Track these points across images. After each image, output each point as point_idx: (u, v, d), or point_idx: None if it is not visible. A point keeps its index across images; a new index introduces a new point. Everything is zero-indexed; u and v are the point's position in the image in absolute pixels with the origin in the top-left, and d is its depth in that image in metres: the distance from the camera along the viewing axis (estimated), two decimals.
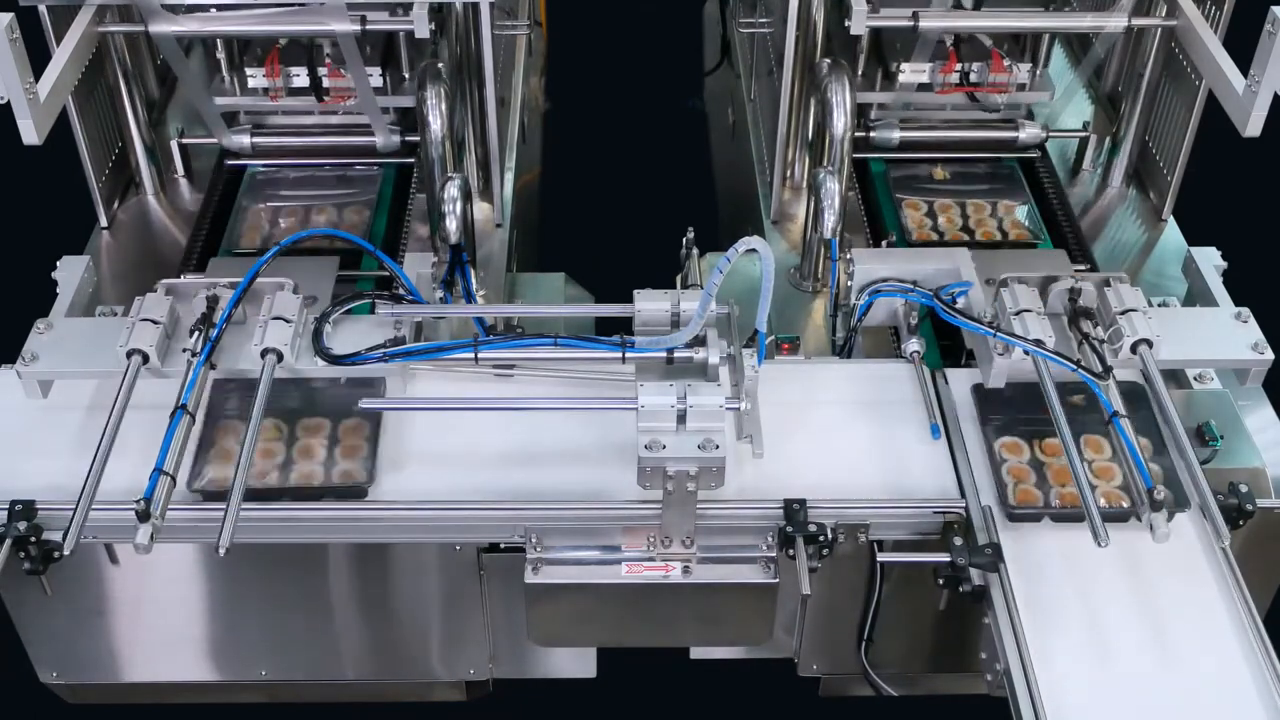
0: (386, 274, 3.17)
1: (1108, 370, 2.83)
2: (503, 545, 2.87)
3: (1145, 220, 4.03)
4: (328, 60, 3.82)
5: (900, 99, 3.97)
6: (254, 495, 2.73)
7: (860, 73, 3.99)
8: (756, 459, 2.81)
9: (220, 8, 3.56)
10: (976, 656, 2.74)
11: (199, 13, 3.57)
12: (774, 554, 2.78)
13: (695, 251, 3.49)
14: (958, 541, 2.70)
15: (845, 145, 3.59)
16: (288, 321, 2.87)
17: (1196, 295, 3.43)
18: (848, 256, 3.16)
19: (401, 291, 3.02)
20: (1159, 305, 3.23)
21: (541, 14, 5.56)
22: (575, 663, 3.21)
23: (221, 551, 2.45)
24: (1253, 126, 3.23)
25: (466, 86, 3.97)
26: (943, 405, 3.01)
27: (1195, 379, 3.19)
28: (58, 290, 3.37)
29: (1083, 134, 4.17)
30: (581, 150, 5.59)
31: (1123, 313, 2.90)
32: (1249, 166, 4.30)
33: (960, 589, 2.67)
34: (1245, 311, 3.07)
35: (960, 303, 3.04)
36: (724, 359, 2.74)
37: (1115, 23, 3.73)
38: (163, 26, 3.57)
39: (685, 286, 3.41)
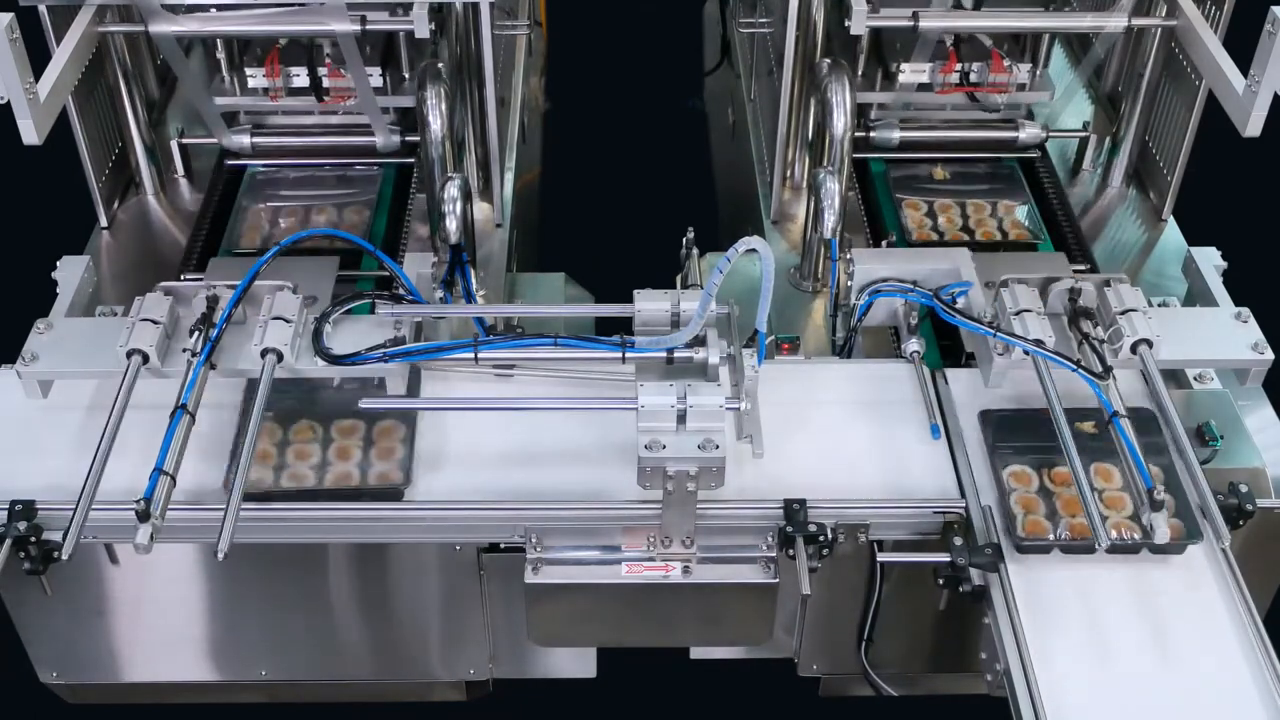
0: (386, 274, 3.16)
1: (1108, 370, 2.83)
2: (503, 545, 2.87)
3: (1145, 220, 4.03)
4: (328, 60, 3.81)
5: (900, 99, 3.97)
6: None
7: (860, 73, 3.99)
8: (756, 459, 2.81)
9: (220, 8, 3.56)
10: (976, 656, 2.74)
11: (199, 13, 3.57)
12: (774, 554, 2.78)
13: (695, 251, 3.49)
14: (958, 541, 2.70)
15: (845, 145, 3.59)
16: (288, 321, 2.87)
17: (1196, 295, 3.43)
18: (848, 256, 3.16)
19: (401, 291, 3.02)
20: (1159, 305, 3.23)
21: (541, 14, 5.56)
22: (575, 663, 3.21)
23: (220, 556, 2.45)
24: (1253, 126, 3.23)
25: (466, 86, 3.97)
26: (943, 405, 3.01)
27: (1195, 379, 3.19)
28: (58, 290, 3.37)
29: (1083, 134, 4.17)
30: (581, 150, 5.59)
31: (1123, 313, 2.90)
32: (1249, 166, 4.30)
33: (960, 589, 2.67)
34: (1245, 311, 3.07)
35: (960, 303, 3.05)
36: (724, 359, 2.74)
37: (1115, 23, 3.73)
38: (163, 26, 3.57)
39: (685, 286, 3.41)
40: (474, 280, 3.33)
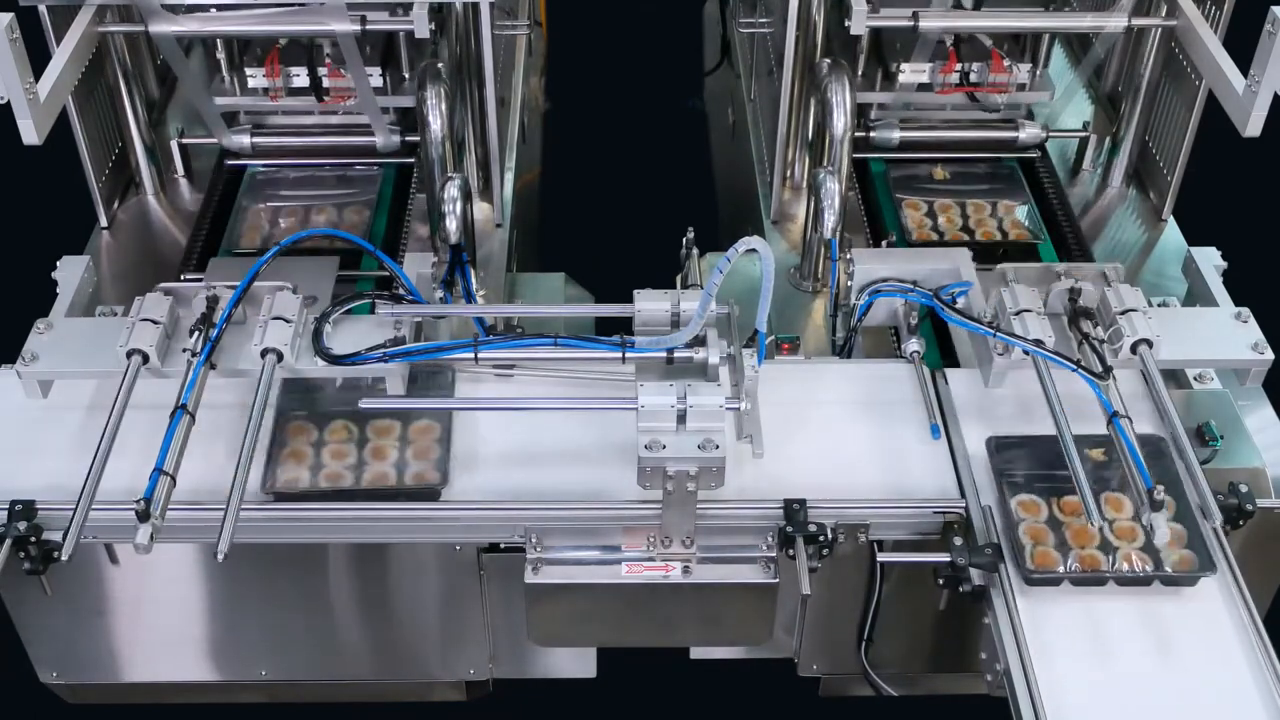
0: (386, 274, 3.16)
1: (1108, 370, 2.82)
2: (503, 545, 2.87)
3: (1145, 220, 4.03)
4: (328, 60, 3.82)
5: (900, 99, 3.97)
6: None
7: (860, 73, 3.99)
8: (756, 459, 2.81)
9: (220, 8, 3.56)
10: (976, 656, 2.74)
11: (199, 13, 3.57)
12: (774, 554, 2.78)
13: (695, 251, 3.49)
14: (958, 541, 2.69)
15: (845, 145, 3.59)
16: (288, 321, 2.87)
17: (1196, 295, 3.43)
18: (848, 256, 3.16)
19: (401, 291, 3.02)
20: (1159, 305, 3.23)
21: (541, 14, 5.56)
22: (575, 663, 3.21)
23: (220, 557, 2.45)
24: (1253, 126, 3.23)
25: (466, 86, 3.97)
26: (943, 405, 3.01)
27: (1195, 379, 3.19)
28: (58, 290, 3.37)
29: (1083, 134, 4.17)
30: (581, 150, 5.60)
31: (1123, 313, 2.90)
32: (1249, 166, 4.30)
33: (960, 589, 2.67)
34: (1245, 311, 3.07)
35: (960, 303, 3.04)
36: (724, 359, 2.74)
37: (1115, 23, 3.73)
38: (163, 26, 3.57)
39: (685, 286, 3.41)
40: (474, 280, 3.34)
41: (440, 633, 3.10)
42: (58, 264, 3.43)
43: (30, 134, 3.15)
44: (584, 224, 5.31)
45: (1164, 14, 3.73)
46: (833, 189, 3.48)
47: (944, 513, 2.80)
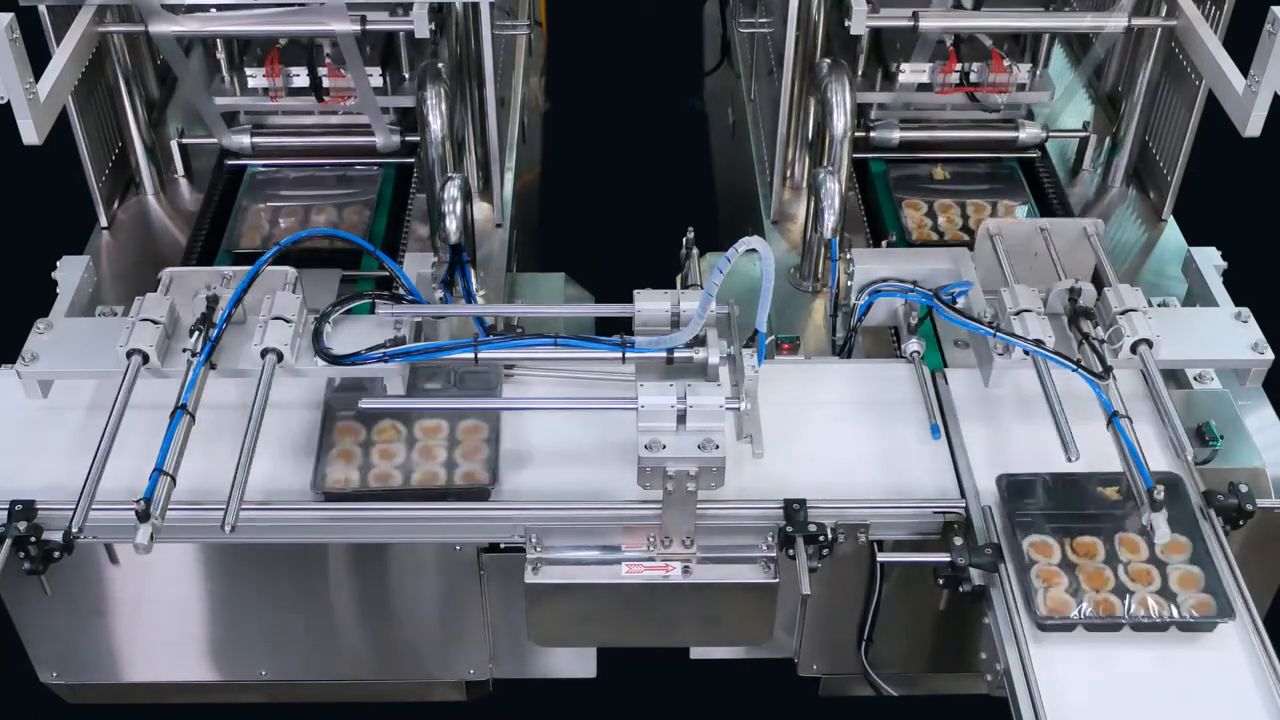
0: (386, 274, 3.16)
1: (1108, 370, 2.82)
2: (503, 545, 2.87)
3: (1145, 220, 4.03)
4: (328, 60, 3.82)
5: (900, 99, 3.97)
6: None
7: (860, 73, 3.99)
8: (756, 459, 2.81)
9: (220, 8, 3.57)
10: (976, 656, 2.74)
11: (199, 13, 3.57)
12: (774, 554, 2.78)
13: (695, 251, 3.49)
14: (958, 541, 2.69)
15: (845, 145, 3.59)
16: (288, 321, 2.87)
17: (1196, 295, 3.43)
18: (848, 256, 3.16)
19: (401, 291, 3.02)
20: (1159, 305, 3.23)
21: (541, 14, 5.56)
22: (575, 663, 3.21)
23: (228, 529, 2.46)
24: (1253, 126, 3.23)
25: (466, 86, 3.97)
26: (943, 405, 3.01)
27: (1195, 379, 3.19)
28: (58, 290, 3.37)
29: (1083, 134, 4.17)
30: (581, 150, 5.59)
31: (1122, 313, 2.90)
32: (1249, 166, 4.30)
33: (960, 589, 2.67)
34: (1245, 311, 3.07)
35: (960, 303, 3.04)
36: (724, 359, 2.74)
37: (1115, 23, 3.73)
38: (163, 26, 3.57)
39: (685, 286, 3.41)
40: (474, 280, 3.34)
41: (440, 633, 3.10)
42: (58, 264, 3.44)
43: (30, 134, 3.15)
44: (584, 224, 5.30)
45: (1164, 14, 3.73)
46: (833, 189, 3.49)
47: (944, 513, 2.80)
